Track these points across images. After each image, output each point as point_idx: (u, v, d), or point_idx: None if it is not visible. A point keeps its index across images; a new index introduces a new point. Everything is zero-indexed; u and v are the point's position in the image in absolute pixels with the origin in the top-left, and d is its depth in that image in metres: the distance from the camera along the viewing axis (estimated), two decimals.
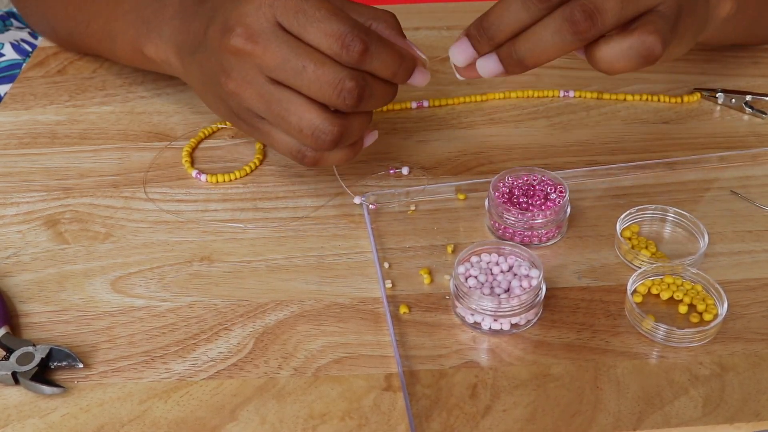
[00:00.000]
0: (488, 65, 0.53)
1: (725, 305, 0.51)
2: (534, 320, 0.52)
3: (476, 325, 0.52)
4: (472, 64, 0.53)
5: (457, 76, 0.55)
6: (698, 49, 0.80)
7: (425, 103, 0.73)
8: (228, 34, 0.52)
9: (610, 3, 0.48)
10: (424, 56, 0.55)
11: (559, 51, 0.50)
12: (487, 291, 0.52)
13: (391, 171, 0.65)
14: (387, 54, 0.52)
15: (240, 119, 0.56)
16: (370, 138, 0.59)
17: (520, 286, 0.52)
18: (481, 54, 0.53)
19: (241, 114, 0.55)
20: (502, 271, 0.53)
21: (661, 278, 0.54)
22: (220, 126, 0.71)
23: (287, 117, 0.52)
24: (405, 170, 0.66)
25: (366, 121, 0.55)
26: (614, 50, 0.49)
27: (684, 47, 0.55)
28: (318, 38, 0.50)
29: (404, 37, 0.55)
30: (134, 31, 0.65)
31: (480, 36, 0.52)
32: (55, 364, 0.50)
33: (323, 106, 0.52)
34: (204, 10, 0.57)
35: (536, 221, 0.57)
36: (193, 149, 0.68)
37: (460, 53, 0.53)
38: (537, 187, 0.59)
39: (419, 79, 0.55)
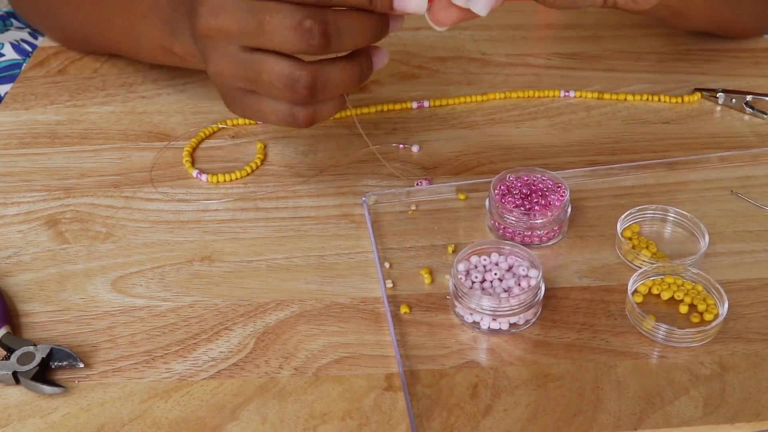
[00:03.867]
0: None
1: (726, 305, 0.51)
2: (533, 320, 0.52)
3: (475, 325, 0.52)
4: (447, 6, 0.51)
5: (435, 27, 0.52)
6: (698, 49, 0.80)
7: (426, 103, 0.73)
8: (196, 16, 0.51)
9: None
10: None
11: None
12: (486, 290, 0.52)
13: (400, 146, 0.66)
14: None
15: (231, 100, 0.55)
16: (380, 58, 0.54)
17: (519, 285, 0.52)
18: None
19: (229, 94, 0.54)
20: (501, 271, 0.53)
21: (662, 278, 0.54)
22: (220, 126, 0.71)
23: (261, 77, 0.51)
24: (415, 148, 0.66)
25: (345, 65, 0.51)
26: None
27: None
28: None
29: None
30: (158, 33, 0.65)
31: None
32: (55, 363, 0.50)
33: (294, 57, 0.50)
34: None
35: (537, 221, 0.57)
36: (194, 149, 0.68)
37: None
38: (537, 187, 0.59)
39: (409, 3, 0.51)
